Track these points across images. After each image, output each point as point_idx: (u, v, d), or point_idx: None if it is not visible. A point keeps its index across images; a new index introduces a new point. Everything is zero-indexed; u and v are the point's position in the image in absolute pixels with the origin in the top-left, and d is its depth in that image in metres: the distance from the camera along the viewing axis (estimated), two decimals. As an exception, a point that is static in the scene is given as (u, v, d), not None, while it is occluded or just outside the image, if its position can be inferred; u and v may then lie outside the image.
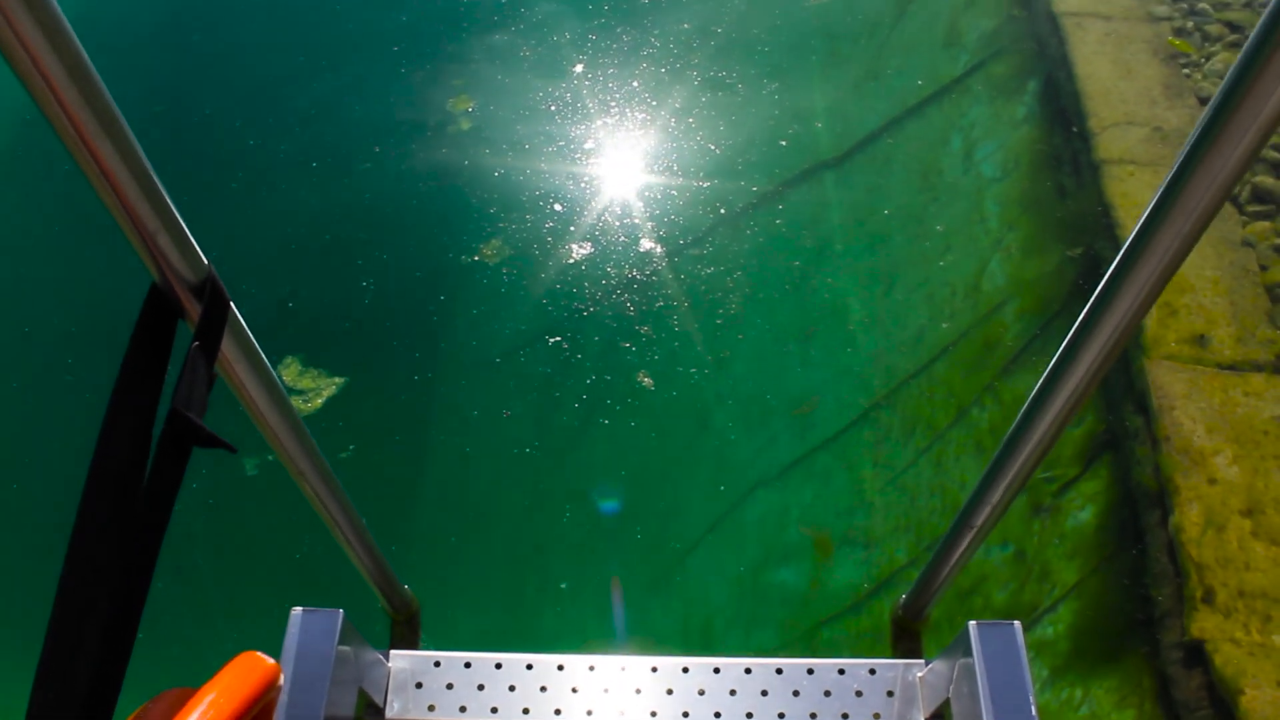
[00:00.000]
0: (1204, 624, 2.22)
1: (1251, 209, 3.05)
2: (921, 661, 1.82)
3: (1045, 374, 1.25)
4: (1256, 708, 2.04)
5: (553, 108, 3.49)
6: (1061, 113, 3.67)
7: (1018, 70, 4.02)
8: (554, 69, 3.63)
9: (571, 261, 2.99)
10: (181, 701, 0.95)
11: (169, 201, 0.91)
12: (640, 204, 3.34)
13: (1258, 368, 2.66)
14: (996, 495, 1.48)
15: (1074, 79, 3.66)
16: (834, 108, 3.90)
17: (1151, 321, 2.81)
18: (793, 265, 3.40)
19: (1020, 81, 3.99)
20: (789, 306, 3.35)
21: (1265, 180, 3.11)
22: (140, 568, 0.86)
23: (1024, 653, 1.57)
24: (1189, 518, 2.38)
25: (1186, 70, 3.57)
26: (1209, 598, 2.24)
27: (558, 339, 2.81)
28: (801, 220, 3.57)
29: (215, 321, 1.01)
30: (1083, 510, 2.74)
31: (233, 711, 0.93)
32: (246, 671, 0.99)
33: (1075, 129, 3.55)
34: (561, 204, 3.16)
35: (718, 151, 3.57)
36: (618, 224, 3.27)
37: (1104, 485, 2.73)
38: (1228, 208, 3.07)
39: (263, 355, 1.17)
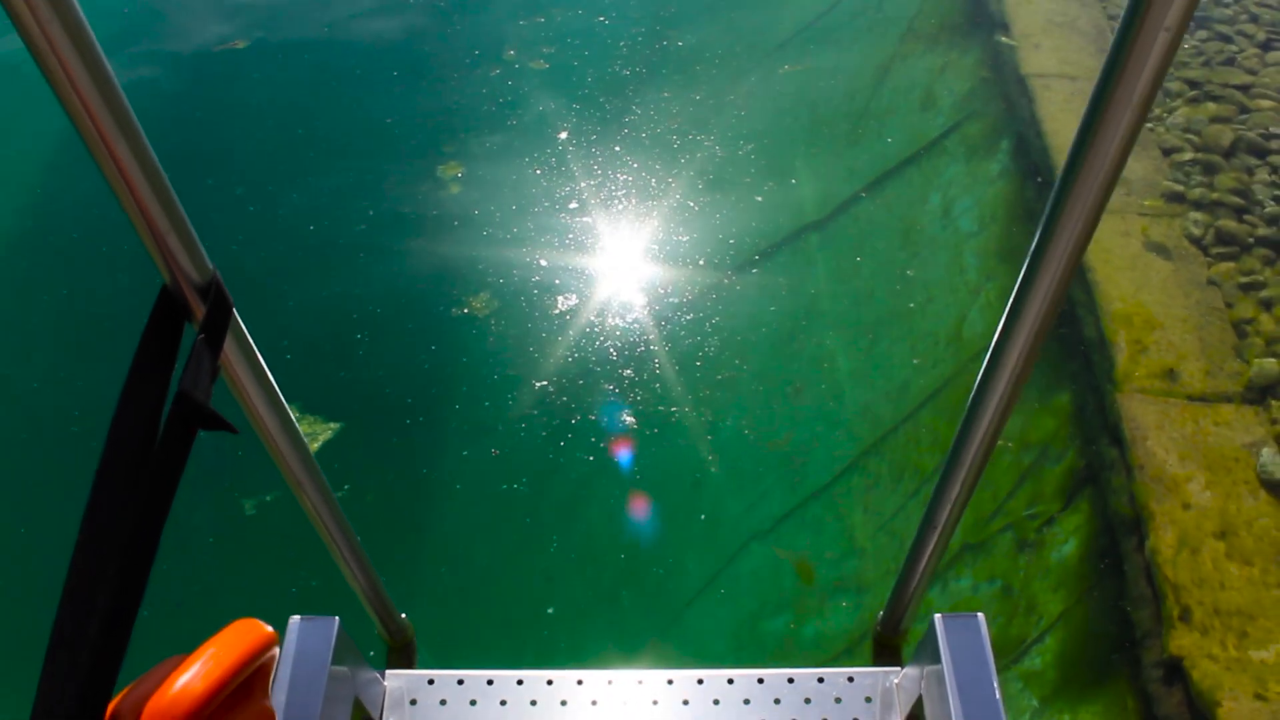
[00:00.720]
0: (1182, 641, 2.34)
1: (1216, 250, 3.27)
2: (898, 669, 1.95)
3: (980, 373, 1.41)
4: (1235, 719, 2.15)
5: (538, 171, 3.75)
6: (1033, 167, 3.93)
7: (991, 130, 4.30)
8: (540, 136, 3.91)
9: (556, 312, 3.20)
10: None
11: (179, 206, 1.02)
12: (625, 265, 3.55)
13: (1227, 399, 2.83)
14: (954, 491, 1.64)
15: (1043, 135, 3.93)
16: (818, 171, 4.16)
17: (1123, 357, 2.99)
18: (780, 324, 3.59)
19: (993, 140, 4.27)
20: (778, 363, 3.52)
21: (1228, 224, 3.34)
22: (147, 539, 0.95)
23: (987, 641, 1.70)
24: (1164, 541, 2.52)
25: (1150, 124, 3.84)
26: (1186, 616, 2.37)
27: (544, 383, 3.01)
28: (787, 280, 3.78)
29: (219, 322, 1.11)
30: (1066, 543, 2.88)
31: (230, 665, 1.05)
32: (243, 633, 1.12)
33: (1041, 179, 3.80)
34: (546, 259, 3.39)
35: (698, 211, 3.81)
36: (602, 280, 3.48)
37: (1085, 518, 2.87)
38: (1193, 250, 3.29)
39: (262, 361, 1.31)
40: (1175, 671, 2.32)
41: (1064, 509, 2.96)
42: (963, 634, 1.68)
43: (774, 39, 4.73)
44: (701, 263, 3.64)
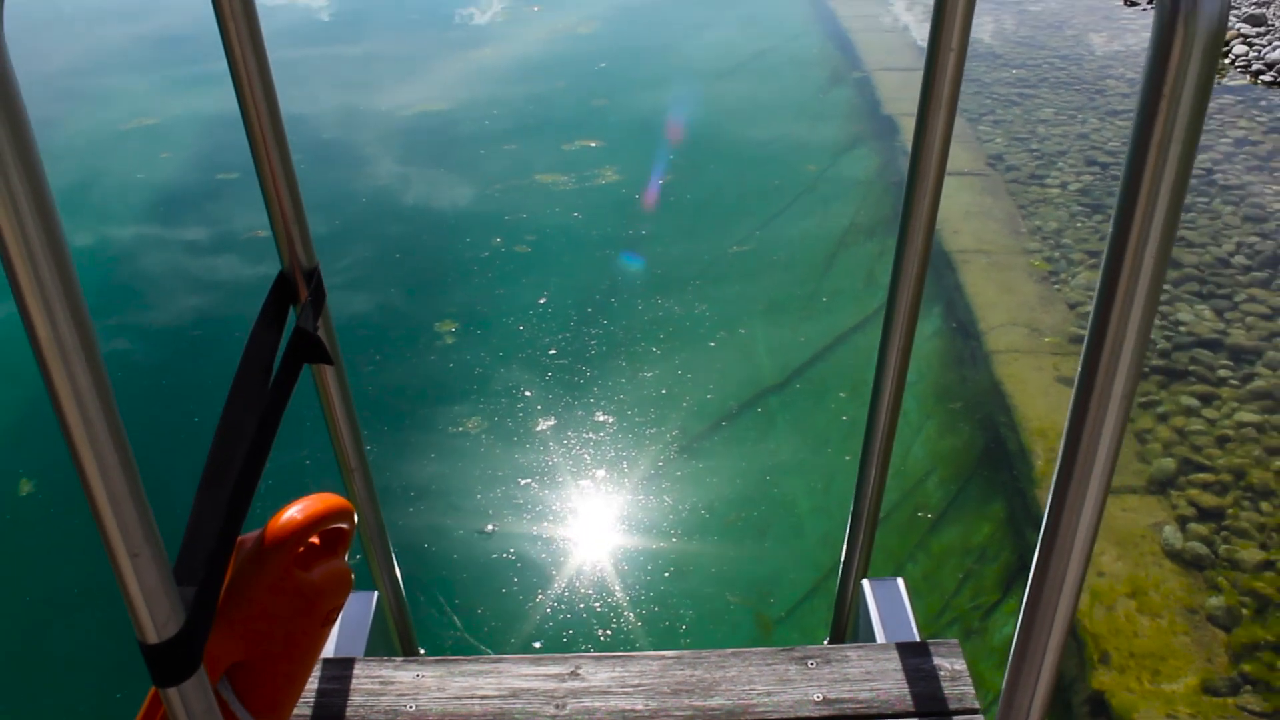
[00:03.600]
0: (1103, 679, 2.76)
1: (1117, 379, 3.93)
2: (842, 645, 2.33)
3: (875, 371, 1.94)
4: (1148, 733, 2.54)
5: (521, 328, 4.41)
6: (961, 325, 4.65)
7: (925, 298, 5.04)
8: (521, 299, 4.62)
9: (538, 431, 3.76)
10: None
11: (303, 204, 1.41)
12: (596, 423, 4.13)
13: (1132, 490, 3.38)
14: (869, 484, 2.13)
15: (967, 298, 4.68)
16: (775, 344, 4.84)
17: (1040, 462, 3.56)
18: (746, 477, 4.11)
19: (927, 306, 5.02)
20: (744, 511, 4.01)
21: (1126, 358, 4.03)
22: (265, 438, 1.27)
23: (906, 596, 2.15)
24: (1084, 601, 2.99)
25: (1057, 286, 4.62)
26: (1105, 660, 2.81)
27: (528, 480, 3.52)
28: (749, 438, 4.35)
29: (317, 305, 1.51)
30: (1006, 625, 3.31)
31: (320, 510, 1.45)
32: (326, 495, 1.53)
33: (966, 331, 4.51)
34: (531, 390, 3.98)
35: (660, 355, 4.45)
36: (582, 430, 4.04)
37: (1020, 602, 3.33)
38: (1097, 378, 3.94)
39: (340, 352, 1.80)
40: (1100, 704, 2.73)
41: (1002, 598, 3.42)
42: (887, 591, 2.13)
43: (732, 238, 5.56)
44: (676, 439, 4.19)
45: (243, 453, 1.26)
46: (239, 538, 1.38)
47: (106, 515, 0.87)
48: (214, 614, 1.13)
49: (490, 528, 3.40)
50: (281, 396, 1.38)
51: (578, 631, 3.18)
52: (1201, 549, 3.22)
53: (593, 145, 6.52)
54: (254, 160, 1.31)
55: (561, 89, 7.53)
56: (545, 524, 3.57)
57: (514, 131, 6.74)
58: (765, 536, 3.83)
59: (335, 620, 1.57)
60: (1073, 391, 0.90)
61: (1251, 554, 3.24)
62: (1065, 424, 0.93)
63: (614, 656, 1.94)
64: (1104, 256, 0.84)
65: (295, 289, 1.49)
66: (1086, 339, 0.87)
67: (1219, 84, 6.99)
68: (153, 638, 0.94)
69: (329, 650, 1.97)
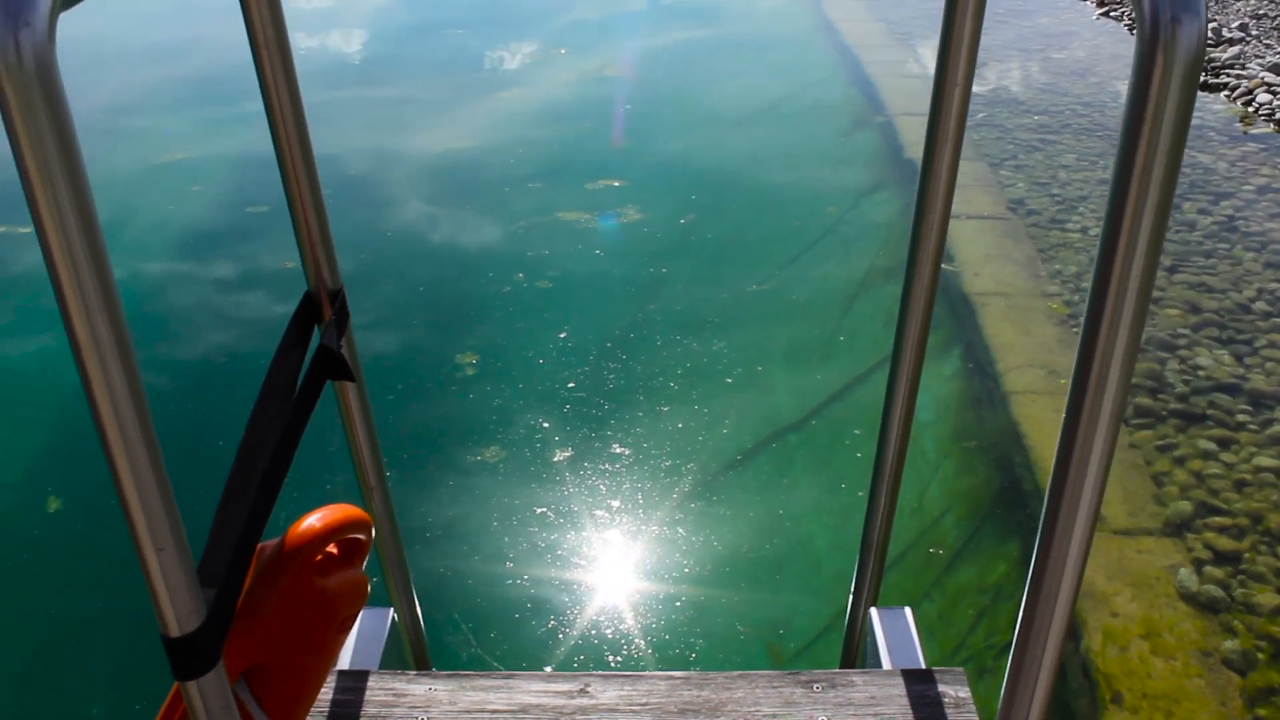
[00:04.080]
0: (1116, 719, 2.76)
1: (1135, 422, 3.94)
2: (849, 670, 2.35)
3: (884, 399, 1.99)
4: (1160, 773, 2.54)
5: (541, 361, 4.50)
6: (979, 366, 4.68)
7: (944, 340, 5.10)
8: (542, 334, 4.71)
9: (555, 462, 3.83)
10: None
11: (329, 224, 1.47)
12: (613, 455, 4.18)
13: (1148, 532, 3.39)
14: (880, 510, 2.17)
15: (985, 339, 4.72)
16: (793, 382, 4.89)
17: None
18: (764, 512, 4.14)
19: (946, 348, 5.05)
20: (763, 546, 4.04)
21: (1145, 401, 4.04)
22: (286, 452, 1.32)
23: (913, 625, 2.18)
24: (1096, 642, 3.00)
25: (1075, 329, 4.65)
26: (1118, 700, 2.81)
27: (543, 510, 3.59)
28: (768, 474, 4.38)
29: (340, 325, 1.57)
30: (1020, 666, 3.32)
31: (338, 519, 1.50)
32: (344, 506, 1.58)
33: (984, 372, 4.54)
34: (549, 421, 4.05)
35: (678, 389, 4.50)
36: (599, 461, 4.09)
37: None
38: (1114, 420, 3.97)
39: (363, 373, 1.87)
40: (1111, 744, 2.73)
41: (1017, 638, 3.42)
42: (894, 620, 2.16)
43: (752, 277, 5.63)
44: (696, 475, 4.22)
45: (265, 463, 1.32)
46: (259, 545, 1.44)
47: (135, 510, 0.91)
48: (234, 614, 1.17)
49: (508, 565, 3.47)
50: (304, 411, 1.43)
51: (589, 657, 3.21)
52: (1217, 592, 3.22)
53: (616, 185, 6.64)
54: (283, 183, 1.35)
55: (586, 130, 7.68)
56: (559, 552, 3.61)
57: (539, 171, 6.87)
58: (781, 571, 3.85)
59: (351, 628, 1.62)
60: (1063, 414, 0.93)
61: (1268, 598, 3.23)
62: (1056, 446, 0.97)
63: (622, 675, 1.98)
64: (1092, 279, 0.87)
65: (320, 308, 1.56)
66: (1075, 362, 0.91)
67: (1244, 133, 7.03)
68: (175, 631, 0.98)
69: (344, 663, 2.02)
